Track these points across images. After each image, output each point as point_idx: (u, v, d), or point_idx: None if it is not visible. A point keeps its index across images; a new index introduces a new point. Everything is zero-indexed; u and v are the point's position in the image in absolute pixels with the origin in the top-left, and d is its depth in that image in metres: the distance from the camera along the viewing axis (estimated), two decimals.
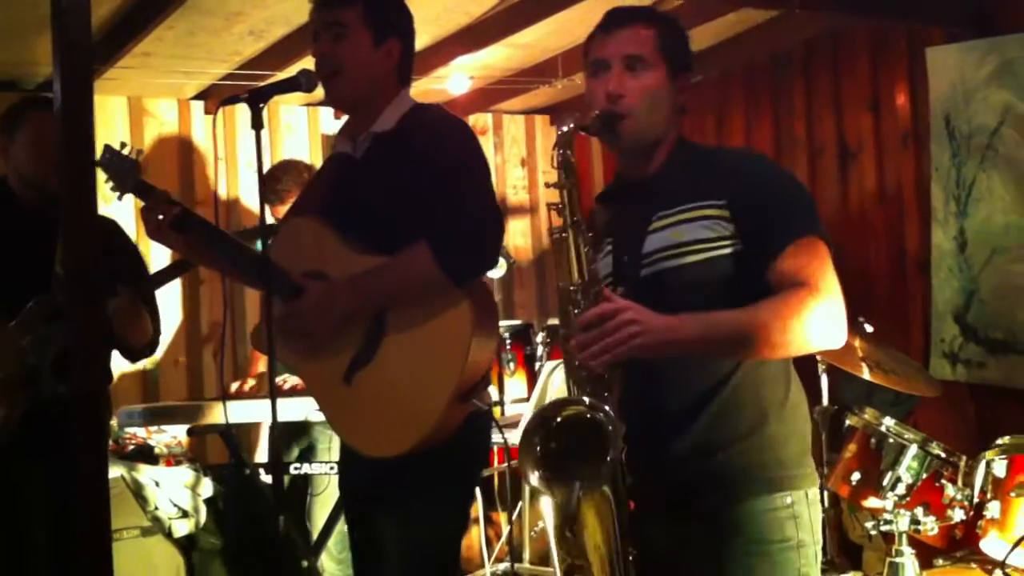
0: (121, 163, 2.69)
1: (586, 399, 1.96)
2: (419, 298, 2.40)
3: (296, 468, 3.83)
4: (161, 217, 2.57)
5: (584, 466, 1.92)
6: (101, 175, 2.58)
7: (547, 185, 2.12)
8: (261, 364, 4.30)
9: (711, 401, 2.02)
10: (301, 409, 3.51)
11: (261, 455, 4.59)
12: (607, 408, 1.92)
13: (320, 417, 2.98)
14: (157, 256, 4.55)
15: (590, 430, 1.92)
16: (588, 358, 1.89)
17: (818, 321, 1.93)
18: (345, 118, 2.70)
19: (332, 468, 3.79)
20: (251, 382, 4.02)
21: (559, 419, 1.97)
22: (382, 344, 2.45)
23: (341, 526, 3.74)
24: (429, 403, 2.36)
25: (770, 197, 2.03)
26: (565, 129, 2.07)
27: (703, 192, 2.04)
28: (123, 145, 2.73)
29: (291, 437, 4.18)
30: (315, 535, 4.01)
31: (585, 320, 1.90)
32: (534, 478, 1.96)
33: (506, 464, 4.38)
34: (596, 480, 1.92)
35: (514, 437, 3.89)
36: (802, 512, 2.02)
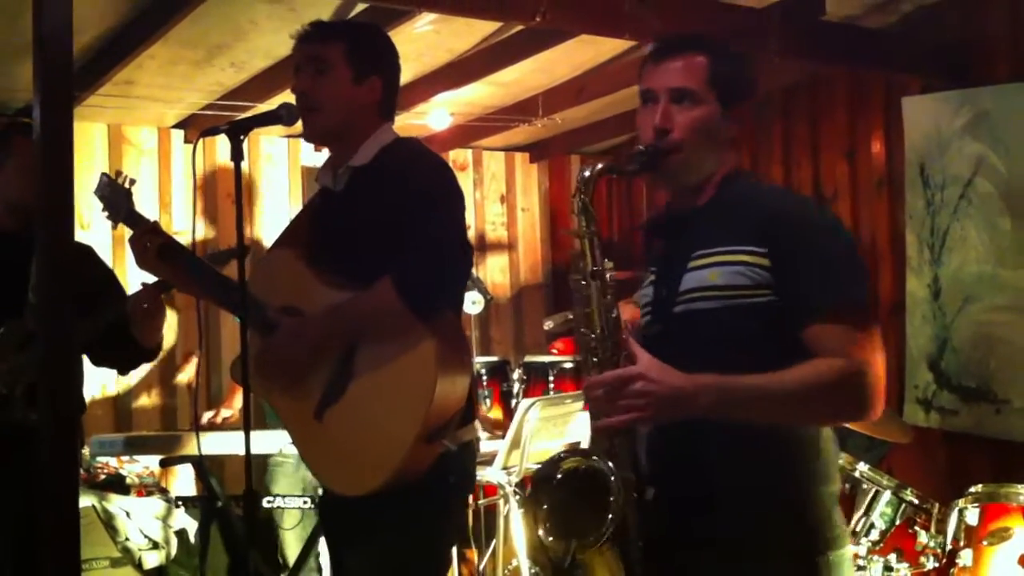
0: (116, 192, 2.73)
1: (595, 455, 1.96)
2: (385, 334, 2.38)
3: (269, 502, 3.79)
4: (148, 246, 2.61)
5: (587, 521, 1.91)
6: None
7: (565, 231, 2.10)
8: (237, 397, 4.26)
9: (734, 457, 1.93)
10: (276, 442, 3.48)
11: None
12: (611, 465, 1.91)
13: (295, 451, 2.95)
14: (134, 284, 4.52)
15: (595, 485, 1.92)
16: (601, 417, 1.89)
17: (848, 397, 1.87)
18: (327, 151, 2.70)
19: (305, 503, 3.75)
20: (224, 413, 3.98)
21: (564, 472, 1.99)
22: (351, 381, 2.43)
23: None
24: (395, 442, 2.34)
25: (815, 254, 1.93)
26: (587, 174, 1.99)
27: (744, 235, 1.95)
28: (118, 174, 2.77)
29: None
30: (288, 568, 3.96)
31: (599, 382, 1.89)
32: (540, 530, 1.97)
33: (480, 502, 4.38)
34: (595, 537, 1.90)
35: (488, 474, 3.90)
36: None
